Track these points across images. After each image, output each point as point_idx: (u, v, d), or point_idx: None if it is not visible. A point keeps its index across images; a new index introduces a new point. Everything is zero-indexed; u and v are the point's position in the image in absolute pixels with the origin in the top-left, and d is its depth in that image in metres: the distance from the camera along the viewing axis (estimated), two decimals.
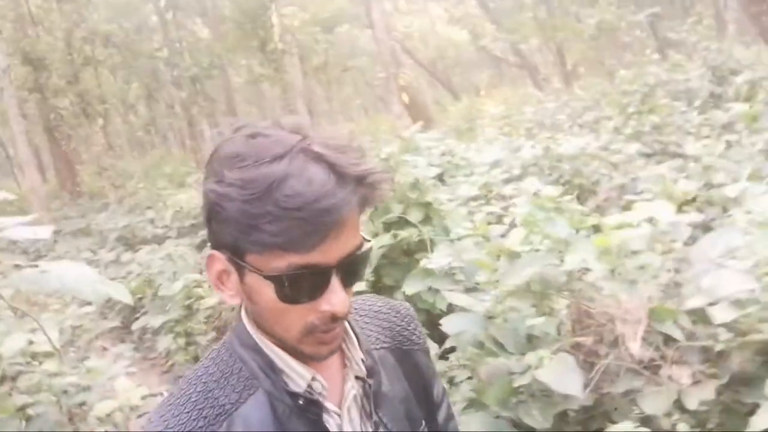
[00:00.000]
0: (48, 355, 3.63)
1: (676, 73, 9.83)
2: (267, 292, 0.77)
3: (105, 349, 5.34)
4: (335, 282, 0.78)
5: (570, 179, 5.18)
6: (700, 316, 2.27)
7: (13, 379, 3.02)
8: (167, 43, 20.22)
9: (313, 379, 0.85)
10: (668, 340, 2.27)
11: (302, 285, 0.76)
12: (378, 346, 0.96)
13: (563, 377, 1.90)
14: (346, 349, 0.91)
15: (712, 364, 2.15)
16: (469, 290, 2.70)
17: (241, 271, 0.79)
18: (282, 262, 0.74)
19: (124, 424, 3.25)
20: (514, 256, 2.26)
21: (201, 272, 5.33)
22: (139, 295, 5.57)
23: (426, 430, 0.98)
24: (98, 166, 15.95)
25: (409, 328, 1.03)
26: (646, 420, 2.04)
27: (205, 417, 0.81)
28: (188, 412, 0.81)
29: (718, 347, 2.12)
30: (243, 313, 0.87)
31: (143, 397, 3.27)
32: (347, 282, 0.80)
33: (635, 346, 2.26)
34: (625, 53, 18.45)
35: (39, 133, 18.76)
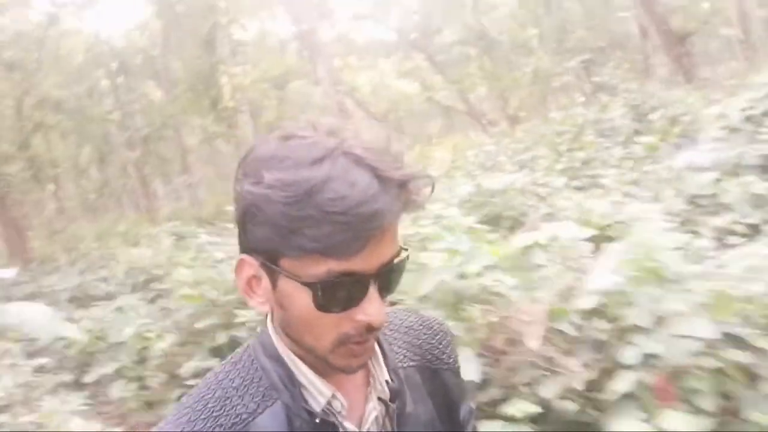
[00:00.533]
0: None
1: (604, 113, 10.55)
2: (302, 299, 0.75)
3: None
4: (373, 291, 0.75)
5: (500, 212, 5.58)
6: (589, 313, 2.61)
7: None
8: (119, 105, 20.44)
9: (333, 397, 0.83)
10: (564, 335, 2.59)
11: (340, 293, 0.74)
12: (405, 364, 0.93)
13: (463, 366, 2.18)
14: (371, 366, 0.88)
15: (598, 352, 2.47)
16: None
17: (274, 276, 0.76)
18: (320, 268, 0.72)
19: None
20: (424, 269, 2.57)
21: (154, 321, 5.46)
22: (91, 350, 5.64)
23: None
24: (49, 230, 15.80)
25: (440, 346, 0.99)
26: (543, 402, 2.34)
27: (221, 425, 0.79)
28: (204, 419, 0.79)
29: (603, 337, 2.46)
30: (269, 321, 0.85)
31: None
32: (384, 291, 0.77)
33: (535, 344, 2.57)
34: (560, 97, 19.49)
35: None
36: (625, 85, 10.64)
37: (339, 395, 0.83)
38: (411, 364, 0.94)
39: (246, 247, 0.78)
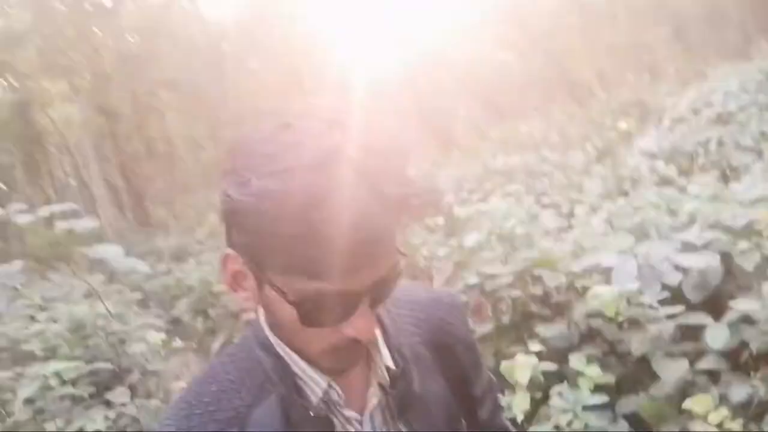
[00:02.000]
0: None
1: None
2: (287, 311, 0.70)
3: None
4: (363, 307, 0.70)
5: None
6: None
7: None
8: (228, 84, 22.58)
9: (330, 387, 0.80)
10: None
11: (327, 310, 0.69)
12: (413, 341, 0.89)
13: None
14: (371, 350, 0.83)
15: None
16: None
17: (259, 280, 0.71)
18: (309, 287, 0.66)
19: (150, 360, 4.96)
20: None
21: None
22: (175, 293, 7.47)
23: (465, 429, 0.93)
24: (166, 199, 18.32)
25: (449, 319, 0.95)
26: None
27: (218, 420, 0.78)
28: (200, 414, 0.78)
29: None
30: (261, 311, 0.81)
31: (163, 342, 4.98)
32: (377, 303, 0.73)
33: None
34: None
35: (116, 174, 21.51)
36: None
37: (335, 385, 0.80)
38: (418, 339, 0.90)
39: (231, 244, 0.73)
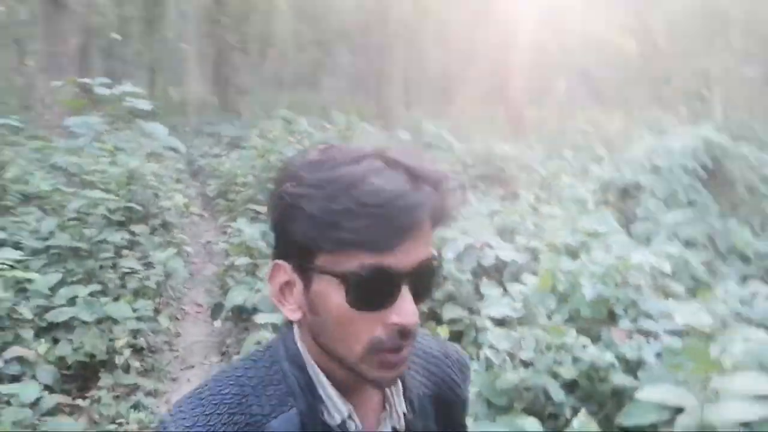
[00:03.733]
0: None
1: None
2: (335, 297, 0.75)
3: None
4: (405, 291, 0.75)
5: None
6: None
7: None
8: None
9: (349, 417, 0.82)
10: None
11: (373, 289, 0.73)
12: (422, 392, 0.93)
13: None
14: (389, 393, 0.87)
15: None
16: None
17: (308, 277, 0.77)
18: (354, 262, 0.73)
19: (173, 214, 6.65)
20: None
21: None
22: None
23: None
24: (242, 89, 20.15)
25: (456, 378, 0.99)
26: None
27: (236, 423, 0.79)
28: (219, 414, 0.79)
29: None
30: (296, 328, 0.85)
31: (184, 205, 6.66)
32: (417, 294, 0.76)
33: None
34: None
35: (210, 56, 23.44)
36: None
37: (355, 416, 0.82)
38: (427, 392, 0.94)
39: (280, 253, 0.80)
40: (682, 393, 2.15)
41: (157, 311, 5.14)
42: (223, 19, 19.16)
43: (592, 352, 2.78)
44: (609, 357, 2.72)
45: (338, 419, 0.81)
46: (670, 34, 25.33)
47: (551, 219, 5.18)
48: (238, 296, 4.66)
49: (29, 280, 4.19)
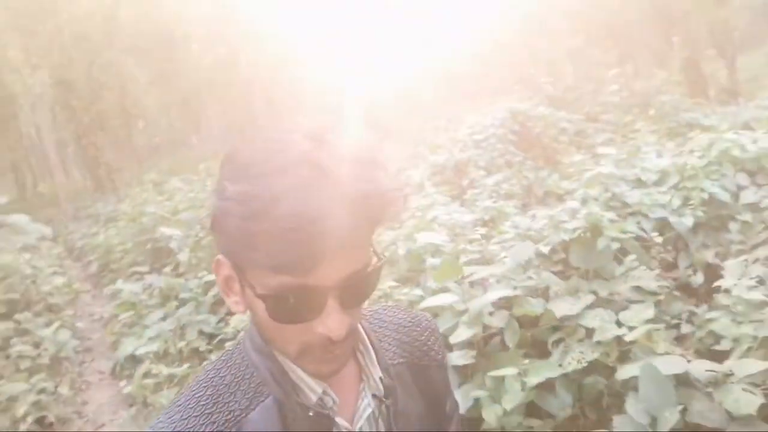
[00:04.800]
0: None
1: None
2: (260, 308, 0.74)
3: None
4: (332, 304, 0.73)
5: None
6: None
7: None
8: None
9: (325, 393, 0.82)
10: None
11: (293, 306, 0.72)
12: (395, 361, 0.94)
13: None
14: (363, 363, 0.88)
15: None
16: None
17: (242, 281, 0.76)
18: (273, 282, 0.70)
19: (54, 294, 6.86)
20: None
21: None
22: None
23: None
24: (112, 167, 20.06)
25: (428, 342, 1.00)
26: None
27: (214, 422, 0.79)
28: (197, 416, 0.80)
29: None
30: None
31: (63, 284, 6.87)
32: (348, 303, 0.74)
33: None
34: None
35: (71, 141, 23.06)
36: None
37: (330, 391, 0.82)
38: (401, 360, 0.95)
39: (220, 249, 0.78)
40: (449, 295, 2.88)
41: (56, 387, 5.39)
42: (75, 102, 19.02)
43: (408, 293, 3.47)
44: (419, 292, 3.42)
45: (314, 398, 0.82)
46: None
47: None
48: (127, 347, 5.04)
49: None
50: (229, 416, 0.80)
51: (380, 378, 0.87)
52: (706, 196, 3.51)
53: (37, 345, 5.61)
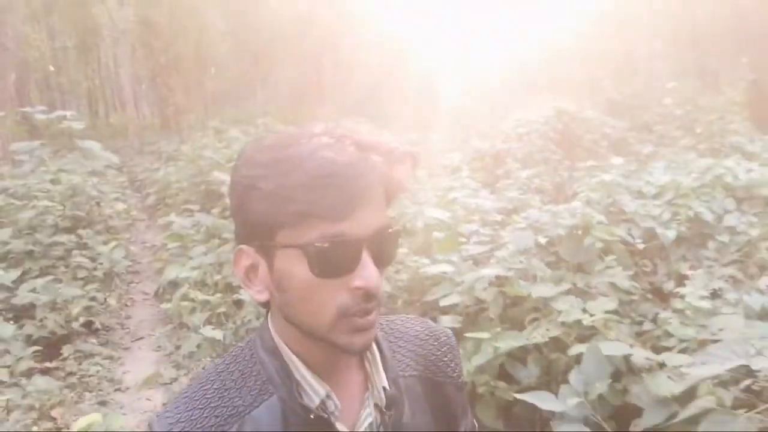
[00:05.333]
0: None
1: None
2: (299, 270, 0.76)
3: None
4: (366, 256, 0.77)
5: None
6: None
7: None
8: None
9: (328, 397, 0.83)
10: None
11: (334, 255, 0.75)
12: (407, 373, 0.93)
13: None
14: (370, 372, 0.89)
15: None
16: None
17: (271, 256, 0.78)
18: (314, 232, 0.74)
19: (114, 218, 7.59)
20: None
21: None
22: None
23: None
24: (180, 108, 20.98)
25: (445, 358, 0.99)
26: None
27: (217, 416, 0.82)
28: (201, 409, 0.82)
29: None
30: (269, 316, 0.88)
31: (124, 210, 7.59)
32: (378, 260, 0.78)
33: None
34: None
35: (146, 79, 24.14)
36: None
37: (333, 396, 0.84)
38: (413, 373, 0.94)
39: (242, 237, 0.81)
40: (448, 266, 3.30)
41: (105, 298, 6.10)
42: (155, 42, 19.94)
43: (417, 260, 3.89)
44: (426, 261, 3.84)
45: (316, 400, 0.83)
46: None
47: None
48: (171, 273, 5.65)
49: None
50: (233, 411, 0.82)
51: (384, 388, 0.88)
52: (692, 214, 3.79)
53: (93, 259, 6.31)
